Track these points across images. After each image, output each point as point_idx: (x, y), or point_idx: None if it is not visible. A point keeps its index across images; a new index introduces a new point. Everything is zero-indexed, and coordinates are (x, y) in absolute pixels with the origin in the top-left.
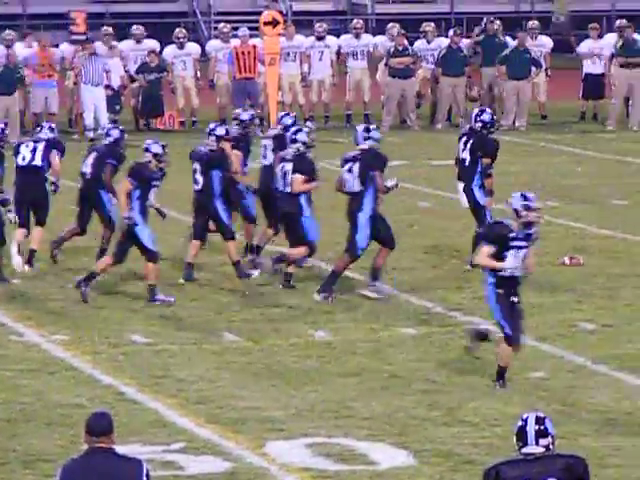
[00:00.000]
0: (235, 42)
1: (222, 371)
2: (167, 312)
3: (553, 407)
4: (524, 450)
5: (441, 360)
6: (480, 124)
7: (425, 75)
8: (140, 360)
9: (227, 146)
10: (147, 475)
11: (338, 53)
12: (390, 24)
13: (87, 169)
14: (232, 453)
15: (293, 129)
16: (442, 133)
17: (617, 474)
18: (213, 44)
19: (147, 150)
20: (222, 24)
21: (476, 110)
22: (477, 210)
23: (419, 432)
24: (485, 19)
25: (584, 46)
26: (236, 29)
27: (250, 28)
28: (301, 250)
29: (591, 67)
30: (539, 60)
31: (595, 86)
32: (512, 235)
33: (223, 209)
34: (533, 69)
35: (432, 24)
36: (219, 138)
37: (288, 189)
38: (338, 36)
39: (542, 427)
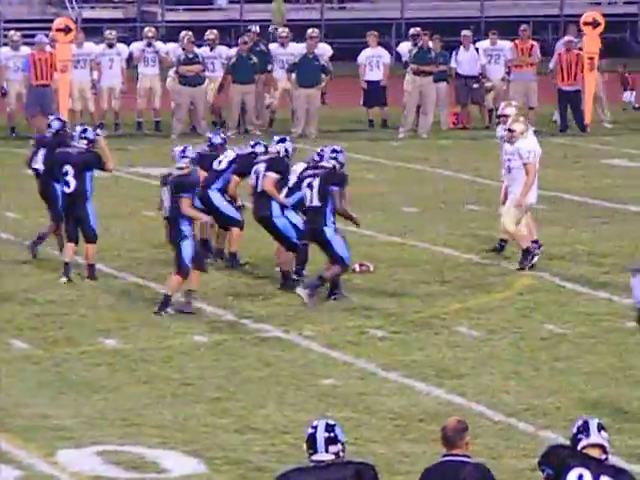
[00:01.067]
0: (26, 50)
1: (12, 379)
2: None
3: (344, 414)
4: (314, 457)
5: (232, 368)
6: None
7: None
8: None
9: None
10: None
11: (128, 60)
12: (183, 32)
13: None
14: (22, 461)
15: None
16: (233, 140)
17: None
18: (3, 52)
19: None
20: (12, 32)
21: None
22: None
23: (210, 439)
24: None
25: (363, 54)
26: (27, 36)
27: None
28: (336, 269)
29: (371, 74)
30: (328, 67)
31: (376, 93)
32: None
33: (93, 212)
34: (323, 76)
35: (215, 31)
36: (90, 141)
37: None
38: (128, 44)
39: (332, 434)
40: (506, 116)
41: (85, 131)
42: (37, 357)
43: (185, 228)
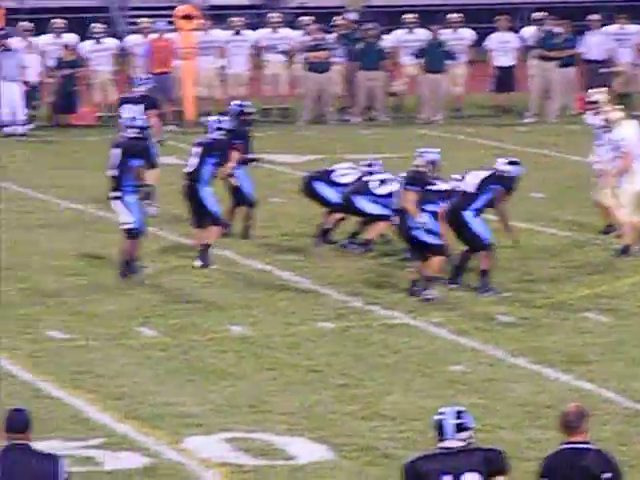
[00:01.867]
0: (152, 36)
1: (140, 367)
2: (85, 308)
3: (472, 400)
4: (443, 444)
5: (359, 354)
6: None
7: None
8: (58, 356)
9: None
10: (66, 471)
11: (255, 47)
12: (306, 18)
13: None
14: (151, 448)
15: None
16: (359, 127)
17: (536, 467)
18: (132, 39)
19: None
20: (141, 19)
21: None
22: None
23: (337, 426)
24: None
25: (493, 39)
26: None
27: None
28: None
29: (501, 60)
30: (454, 53)
31: (506, 79)
32: None
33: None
34: (449, 62)
35: (345, 18)
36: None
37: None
38: (254, 30)
39: (461, 420)
40: (595, 102)
41: (220, 122)
42: (164, 344)
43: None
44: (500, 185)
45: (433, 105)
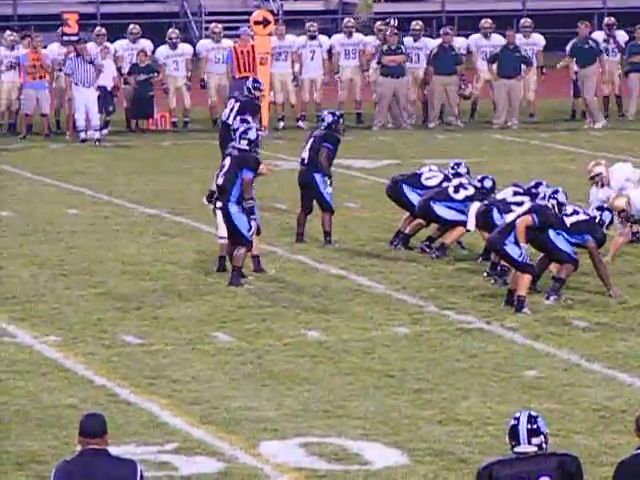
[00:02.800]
0: (227, 42)
1: (215, 372)
2: (160, 313)
3: (547, 405)
4: (517, 449)
5: (434, 359)
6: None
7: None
8: (133, 361)
9: None
10: (141, 476)
11: (329, 52)
12: (378, 23)
13: (305, 154)
14: (226, 453)
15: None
16: (434, 132)
17: (611, 472)
18: (204, 43)
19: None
20: (213, 24)
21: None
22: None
23: (412, 431)
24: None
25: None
26: (227, 29)
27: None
28: (569, 267)
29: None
30: (529, 58)
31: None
32: None
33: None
34: (524, 67)
35: (420, 22)
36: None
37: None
38: (329, 35)
39: (534, 426)
40: (598, 175)
41: (246, 132)
42: (240, 349)
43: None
44: (591, 236)
45: (508, 110)
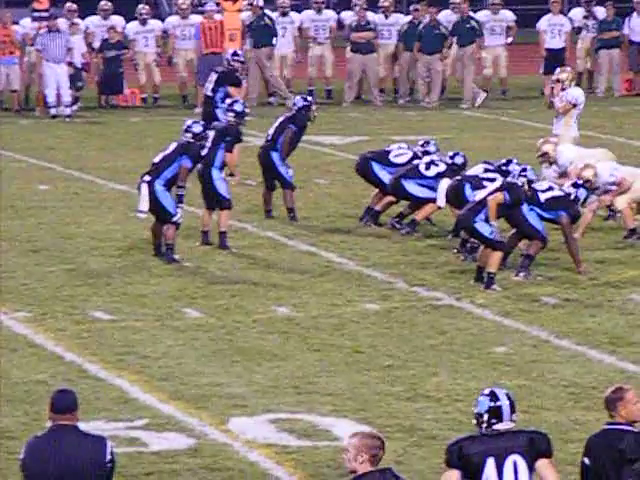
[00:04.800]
0: (198, 18)
1: (185, 348)
2: (129, 289)
3: (516, 382)
4: (498, 426)
5: (404, 335)
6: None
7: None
8: (103, 337)
9: None
10: (111, 452)
11: (300, 29)
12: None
13: (270, 132)
14: (195, 429)
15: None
16: (404, 109)
17: (580, 448)
18: (171, 20)
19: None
20: (181, 0)
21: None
22: None
23: (382, 407)
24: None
25: (544, 21)
26: (196, 5)
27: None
28: (538, 244)
29: (552, 42)
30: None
31: (556, 61)
32: None
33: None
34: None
35: None
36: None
37: None
38: (299, 12)
39: (512, 402)
40: (545, 154)
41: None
42: (209, 325)
43: None
44: (565, 213)
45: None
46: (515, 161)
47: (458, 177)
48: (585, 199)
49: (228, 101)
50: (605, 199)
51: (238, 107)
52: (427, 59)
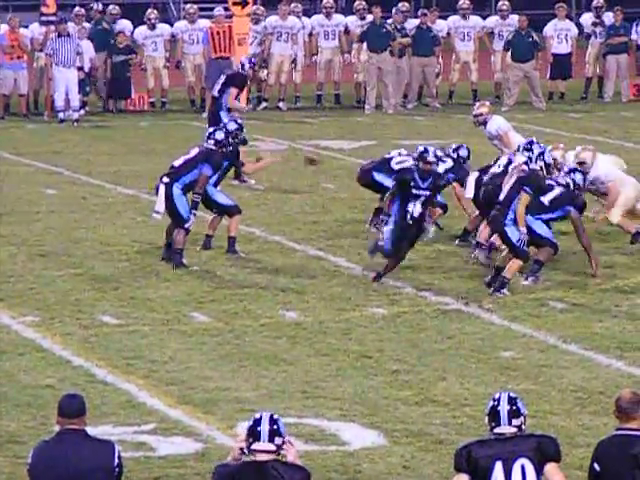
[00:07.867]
0: (205, 23)
1: (193, 352)
2: (137, 293)
3: (524, 387)
4: (497, 430)
5: (411, 340)
6: None
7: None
8: (111, 341)
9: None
10: (119, 456)
11: (310, 33)
12: (357, 2)
13: None
14: (203, 434)
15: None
16: (412, 113)
17: (588, 453)
18: (179, 25)
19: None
20: (189, 5)
21: None
22: None
23: (390, 412)
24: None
25: (551, 26)
26: (204, 10)
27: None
28: (549, 250)
29: (558, 47)
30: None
31: (563, 66)
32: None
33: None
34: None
35: (406, 4)
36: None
37: None
38: (309, 16)
39: (514, 407)
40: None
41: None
42: (217, 330)
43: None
44: (572, 207)
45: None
46: (535, 141)
47: (489, 179)
48: (584, 181)
49: (210, 129)
50: (601, 219)
51: (228, 127)
52: (423, 61)
